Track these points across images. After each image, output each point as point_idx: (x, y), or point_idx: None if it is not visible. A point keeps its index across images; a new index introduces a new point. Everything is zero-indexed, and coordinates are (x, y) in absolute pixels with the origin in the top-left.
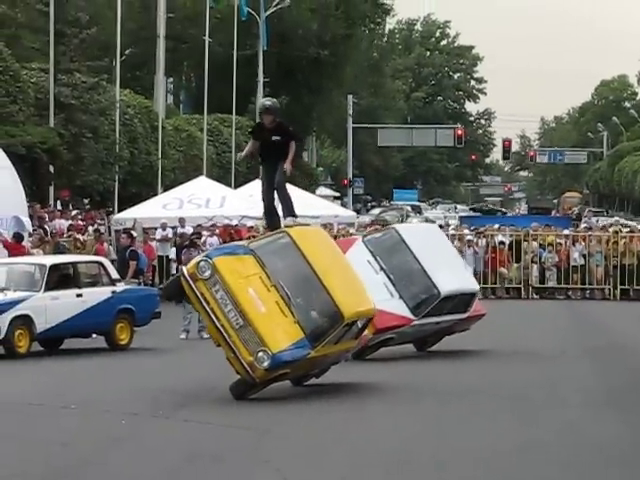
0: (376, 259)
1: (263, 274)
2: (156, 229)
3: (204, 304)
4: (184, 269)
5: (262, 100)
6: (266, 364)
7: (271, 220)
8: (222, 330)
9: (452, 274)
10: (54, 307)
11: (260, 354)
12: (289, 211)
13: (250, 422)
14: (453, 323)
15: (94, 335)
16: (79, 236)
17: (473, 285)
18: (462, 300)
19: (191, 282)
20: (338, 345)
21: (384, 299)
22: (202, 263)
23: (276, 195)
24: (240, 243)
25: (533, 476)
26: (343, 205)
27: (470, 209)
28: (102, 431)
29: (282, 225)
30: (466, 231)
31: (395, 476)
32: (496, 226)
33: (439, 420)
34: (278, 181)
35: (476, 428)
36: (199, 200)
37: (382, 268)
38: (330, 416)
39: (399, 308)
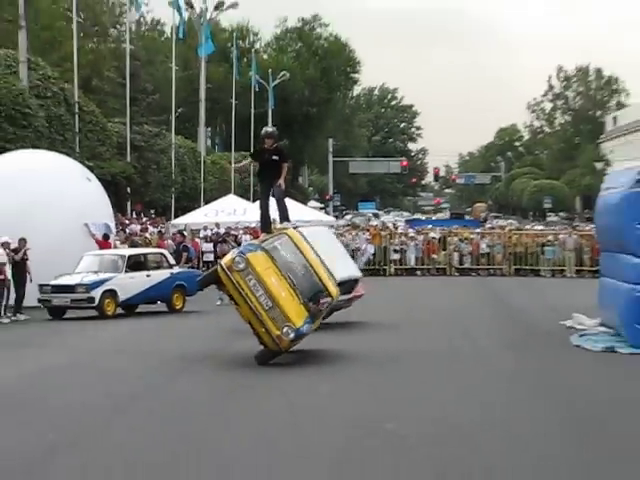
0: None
1: (274, 267)
2: (200, 230)
3: (239, 290)
4: (222, 262)
5: (265, 128)
6: (292, 336)
7: (265, 224)
8: (255, 310)
9: (341, 265)
10: (131, 283)
11: (286, 329)
12: (285, 217)
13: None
14: (343, 302)
15: (158, 302)
16: (147, 235)
17: (357, 273)
18: (349, 284)
19: (228, 273)
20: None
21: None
22: (238, 258)
23: (276, 205)
24: (254, 242)
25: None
26: (327, 213)
27: (452, 214)
28: (162, 369)
29: (274, 228)
30: (410, 230)
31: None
32: (429, 226)
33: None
34: (277, 195)
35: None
36: (229, 210)
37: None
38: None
39: None
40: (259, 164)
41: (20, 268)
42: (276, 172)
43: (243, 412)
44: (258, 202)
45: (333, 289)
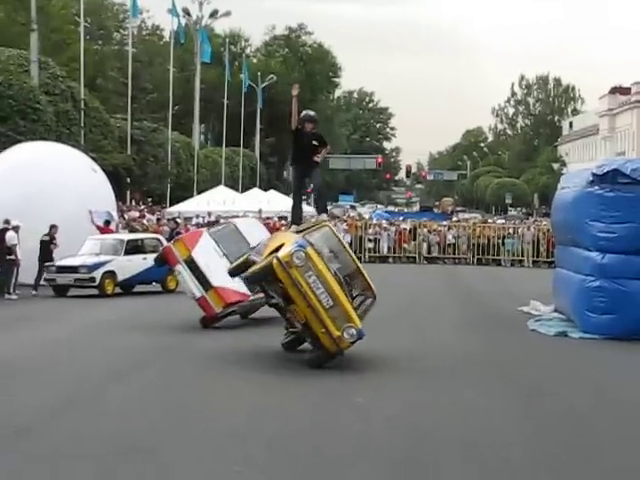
0: (219, 246)
1: (324, 263)
2: (192, 218)
3: (298, 287)
4: (280, 257)
5: (307, 111)
6: (354, 337)
7: (296, 214)
8: (314, 309)
9: None
10: (129, 265)
11: (351, 330)
12: (323, 207)
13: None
14: None
15: (153, 283)
16: (144, 221)
17: None
18: None
19: (287, 268)
20: None
21: (229, 279)
22: (298, 253)
23: (315, 195)
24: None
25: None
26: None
27: (421, 207)
28: (158, 341)
29: (302, 219)
30: (383, 221)
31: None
32: (401, 218)
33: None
34: (318, 184)
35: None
36: (219, 200)
37: (225, 254)
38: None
39: (241, 286)
40: (296, 147)
41: (48, 251)
42: (311, 157)
43: (233, 376)
44: (245, 193)
45: (373, 287)
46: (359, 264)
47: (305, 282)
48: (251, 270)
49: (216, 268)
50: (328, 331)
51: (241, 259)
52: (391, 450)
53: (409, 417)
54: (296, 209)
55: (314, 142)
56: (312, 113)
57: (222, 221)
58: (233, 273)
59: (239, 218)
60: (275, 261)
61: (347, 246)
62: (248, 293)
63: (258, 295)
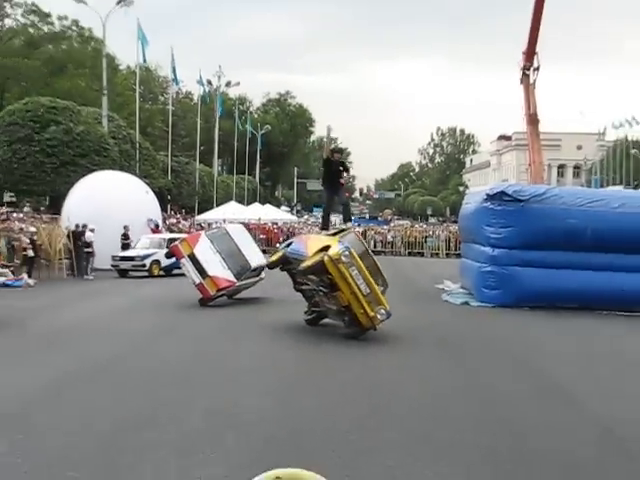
0: (213, 245)
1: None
2: (212, 223)
3: (345, 278)
4: (330, 255)
5: (336, 145)
6: (384, 317)
7: (325, 223)
8: (356, 296)
9: (255, 255)
10: None
11: (382, 310)
12: (348, 217)
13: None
14: (252, 283)
15: None
16: (180, 226)
17: (264, 261)
18: (259, 269)
19: (336, 264)
20: None
21: (221, 270)
22: (346, 252)
23: (341, 208)
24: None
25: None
26: (292, 214)
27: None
28: (185, 309)
29: (329, 227)
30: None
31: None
32: (356, 224)
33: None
34: (344, 200)
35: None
36: (231, 211)
37: (217, 251)
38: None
39: (229, 275)
40: (326, 171)
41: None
42: (338, 180)
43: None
44: (249, 206)
45: (385, 277)
46: (376, 260)
47: (349, 275)
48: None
49: (212, 261)
50: (365, 312)
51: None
52: (359, 403)
53: (370, 377)
54: (325, 219)
55: (340, 168)
56: (340, 146)
57: (214, 225)
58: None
59: (230, 224)
60: (327, 258)
61: (367, 247)
62: (234, 280)
63: (241, 282)
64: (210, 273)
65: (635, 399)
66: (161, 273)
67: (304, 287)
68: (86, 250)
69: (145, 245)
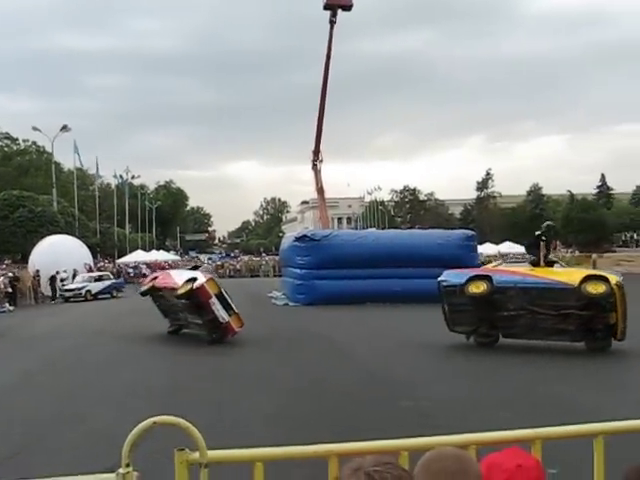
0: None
1: None
2: (129, 264)
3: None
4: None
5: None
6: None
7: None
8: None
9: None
10: (97, 286)
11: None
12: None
13: None
14: None
15: (110, 294)
16: (106, 266)
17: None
18: None
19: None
20: None
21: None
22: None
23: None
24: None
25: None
26: (177, 256)
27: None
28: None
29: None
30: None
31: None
32: (217, 259)
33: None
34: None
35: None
36: (140, 256)
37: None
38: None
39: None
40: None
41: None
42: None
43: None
44: (153, 251)
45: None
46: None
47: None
48: (179, 292)
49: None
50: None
51: (146, 287)
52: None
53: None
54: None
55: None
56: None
57: (131, 265)
58: (144, 294)
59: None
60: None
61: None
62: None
63: None
64: (236, 309)
65: (391, 353)
66: (90, 298)
67: (168, 307)
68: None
69: (81, 280)
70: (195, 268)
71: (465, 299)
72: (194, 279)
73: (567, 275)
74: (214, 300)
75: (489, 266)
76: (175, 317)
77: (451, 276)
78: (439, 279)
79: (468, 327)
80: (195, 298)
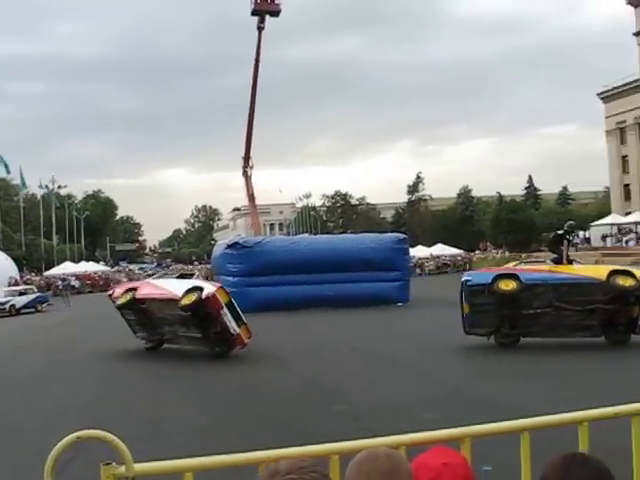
0: None
1: None
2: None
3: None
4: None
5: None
6: None
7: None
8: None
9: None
10: (21, 300)
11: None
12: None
13: None
14: None
15: (35, 307)
16: (33, 279)
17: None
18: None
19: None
20: None
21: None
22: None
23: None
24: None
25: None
26: (107, 266)
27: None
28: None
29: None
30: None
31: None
32: (150, 269)
33: None
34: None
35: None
36: (68, 267)
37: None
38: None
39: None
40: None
41: None
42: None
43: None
44: (82, 263)
45: None
46: None
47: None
48: (182, 303)
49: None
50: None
51: (125, 299)
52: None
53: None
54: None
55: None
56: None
57: (60, 276)
58: (120, 307)
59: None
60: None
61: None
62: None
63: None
64: (244, 319)
65: (326, 359)
66: (14, 313)
67: (150, 320)
68: None
69: (5, 295)
70: (183, 277)
71: (491, 298)
72: (198, 288)
73: (593, 270)
74: (225, 311)
75: (509, 265)
76: (156, 332)
77: (476, 276)
78: (463, 279)
79: (489, 328)
80: (203, 309)
